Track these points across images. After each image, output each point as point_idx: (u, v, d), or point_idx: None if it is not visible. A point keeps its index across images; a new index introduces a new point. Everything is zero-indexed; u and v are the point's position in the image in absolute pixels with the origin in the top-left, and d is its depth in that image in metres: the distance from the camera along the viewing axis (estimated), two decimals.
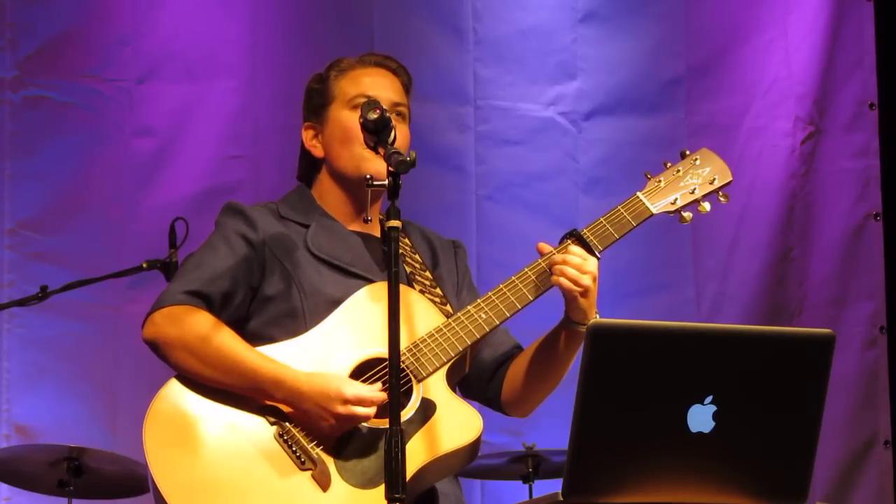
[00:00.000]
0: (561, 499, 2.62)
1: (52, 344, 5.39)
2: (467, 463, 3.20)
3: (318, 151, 3.43)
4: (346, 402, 3.05)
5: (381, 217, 3.38)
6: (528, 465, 5.14)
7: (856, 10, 6.16)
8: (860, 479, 5.96)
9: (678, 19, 6.05)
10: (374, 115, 2.99)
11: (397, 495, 2.70)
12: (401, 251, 3.38)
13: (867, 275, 6.07)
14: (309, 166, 3.47)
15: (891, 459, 5.98)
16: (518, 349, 3.44)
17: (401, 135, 3.24)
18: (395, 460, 2.72)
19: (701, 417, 2.63)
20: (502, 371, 3.40)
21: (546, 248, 3.25)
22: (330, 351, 3.17)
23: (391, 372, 2.78)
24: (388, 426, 2.97)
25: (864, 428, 5.99)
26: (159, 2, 5.62)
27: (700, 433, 2.64)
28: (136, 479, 4.73)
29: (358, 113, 3.24)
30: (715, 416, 2.64)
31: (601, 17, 6.01)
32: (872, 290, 6.06)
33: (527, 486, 5.14)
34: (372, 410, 3.06)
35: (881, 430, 6.00)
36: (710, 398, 2.64)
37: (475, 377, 3.37)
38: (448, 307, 3.32)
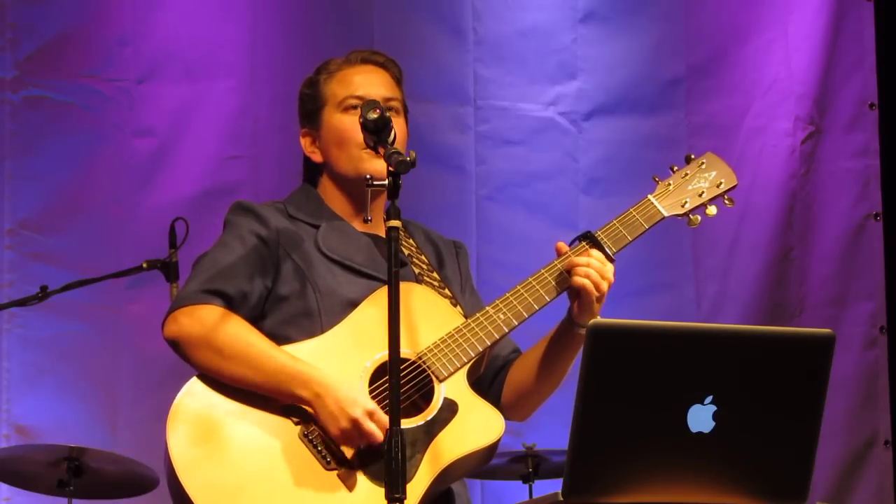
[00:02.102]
0: (561, 499, 2.62)
1: (52, 344, 5.39)
2: (486, 462, 3.20)
3: (317, 157, 3.43)
4: (366, 411, 3.04)
5: (384, 217, 3.38)
6: (528, 465, 5.13)
7: (856, 10, 6.16)
8: (860, 479, 5.96)
9: (678, 19, 6.05)
10: (373, 115, 2.99)
11: (397, 495, 2.70)
12: (407, 252, 3.39)
13: (867, 275, 6.07)
14: (312, 171, 3.47)
15: (891, 459, 5.98)
16: (517, 353, 3.44)
17: (397, 129, 3.24)
18: (394, 460, 2.72)
19: (701, 417, 2.63)
20: (502, 375, 3.40)
21: (565, 248, 3.25)
22: (350, 351, 3.16)
23: (391, 372, 2.79)
24: (411, 425, 3.01)
25: (864, 428, 5.99)
26: (159, 2, 5.62)
27: (700, 433, 2.64)
28: (137, 479, 4.73)
29: (350, 115, 3.30)
30: (715, 416, 2.64)
31: (601, 17, 6.01)
32: (872, 290, 6.07)
33: (527, 486, 5.14)
34: (378, 433, 3.03)
35: (881, 430, 6.00)
36: (710, 398, 2.64)
37: (476, 381, 3.36)
38: (458, 308, 3.32)
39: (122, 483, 4.81)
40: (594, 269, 3.18)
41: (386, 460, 2.73)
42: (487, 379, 3.39)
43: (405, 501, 2.73)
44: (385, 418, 3.02)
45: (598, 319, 3.14)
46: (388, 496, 2.71)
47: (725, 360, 2.65)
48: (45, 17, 5.51)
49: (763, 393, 2.68)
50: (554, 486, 2.65)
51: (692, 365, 2.64)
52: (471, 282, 3.52)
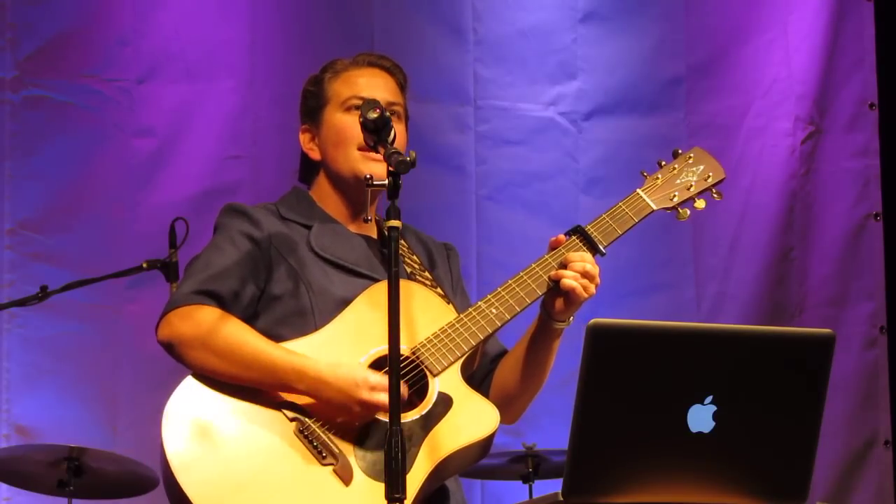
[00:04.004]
0: (561, 499, 2.62)
1: (52, 344, 5.39)
2: (481, 457, 3.20)
3: (315, 154, 3.44)
4: (372, 388, 3.05)
5: (377, 218, 3.40)
6: (528, 465, 5.13)
7: (856, 10, 6.16)
8: (860, 479, 5.96)
9: (678, 19, 6.05)
10: (373, 115, 3.00)
11: (397, 495, 2.70)
12: (399, 252, 3.39)
13: (867, 275, 6.07)
14: (308, 168, 3.48)
15: (891, 459, 5.98)
16: (505, 354, 3.44)
17: (396, 134, 3.24)
18: (394, 460, 2.72)
19: (701, 417, 2.64)
20: (489, 378, 3.40)
21: (562, 240, 3.27)
22: (341, 349, 3.16)
23: (391, 371, 2.78)
24: (407, 420, 3.02)
25: (864, 428, 5.99)
26: (159, 2, 5.63)
27: (700, 433, 2.64)
28: (137, 479, 4.73)
29: (351, 115, 3.30)
30: (715, 416, 2.64)
31: (601, 17, 6.01)
32: (872, 290, 6.07)
33: (527, 486, 5.14)
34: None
35: (881, 430, 6.00)
36: (710, 398, 2.64)
37: (468, 381, 3.36)
38: (451, 305, 3.32)
39: (122, 483, 4.81)
40: (586, 272, 3.19)
41: (386, 460, 2.73)
42: (477, 380, 3.38)
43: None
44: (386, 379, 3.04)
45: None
46: (387, 496, 2.71)
47: (725, 360, 2.66)
48: (45, 17, 5.51)
49: (763, 393, 2.68)
50: (554, 486, 2.65)
51: (692, 365, 2.64)
52: (461, 283, 3.53)
